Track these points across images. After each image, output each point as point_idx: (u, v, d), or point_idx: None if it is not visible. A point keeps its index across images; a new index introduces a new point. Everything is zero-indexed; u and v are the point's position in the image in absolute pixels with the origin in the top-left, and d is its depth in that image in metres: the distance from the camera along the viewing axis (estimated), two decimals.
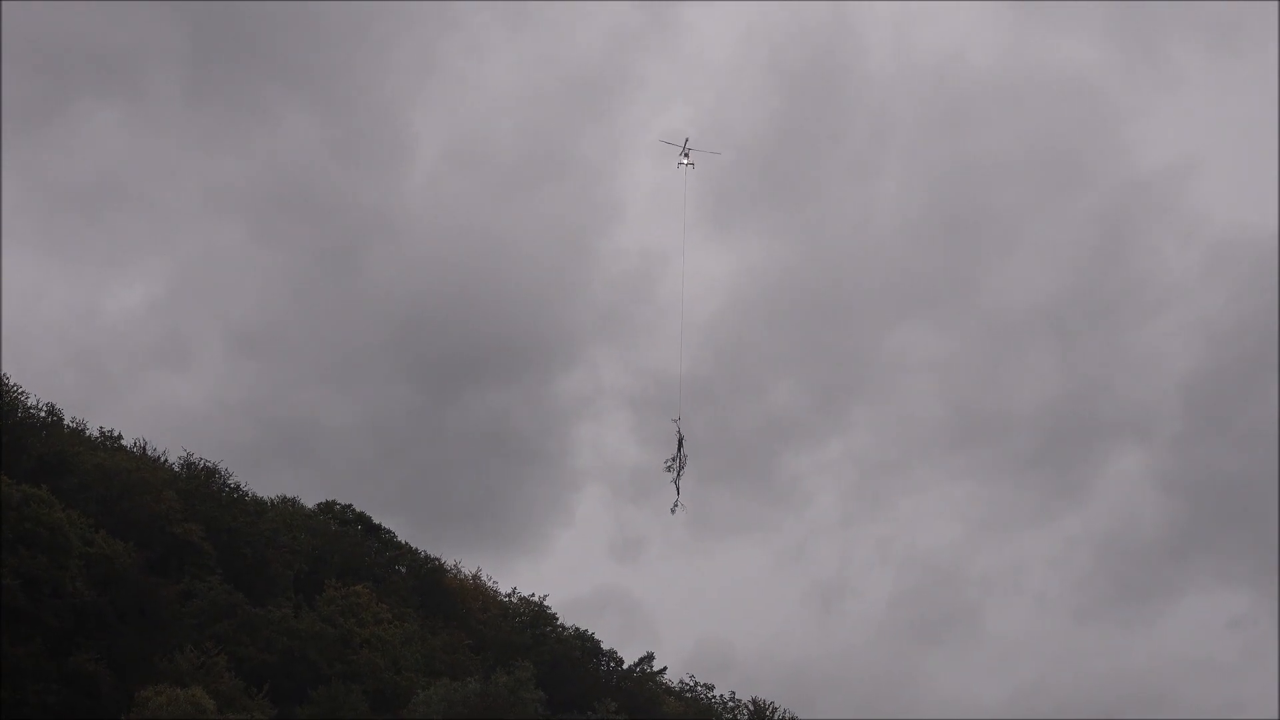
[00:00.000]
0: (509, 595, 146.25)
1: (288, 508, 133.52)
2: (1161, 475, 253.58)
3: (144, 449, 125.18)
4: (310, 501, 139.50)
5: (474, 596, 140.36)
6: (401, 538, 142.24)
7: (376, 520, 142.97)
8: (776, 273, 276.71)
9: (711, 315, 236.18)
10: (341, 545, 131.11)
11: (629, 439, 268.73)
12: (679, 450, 78.18)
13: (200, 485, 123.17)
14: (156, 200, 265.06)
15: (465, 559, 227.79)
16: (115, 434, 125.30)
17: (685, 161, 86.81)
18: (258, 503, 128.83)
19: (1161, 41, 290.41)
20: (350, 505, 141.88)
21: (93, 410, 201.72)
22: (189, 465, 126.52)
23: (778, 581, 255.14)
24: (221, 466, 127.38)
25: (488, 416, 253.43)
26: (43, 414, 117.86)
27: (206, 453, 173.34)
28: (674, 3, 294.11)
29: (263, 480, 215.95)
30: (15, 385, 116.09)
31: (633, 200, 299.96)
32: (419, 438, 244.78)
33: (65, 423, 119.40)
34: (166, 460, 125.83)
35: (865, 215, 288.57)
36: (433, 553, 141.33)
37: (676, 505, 78.22)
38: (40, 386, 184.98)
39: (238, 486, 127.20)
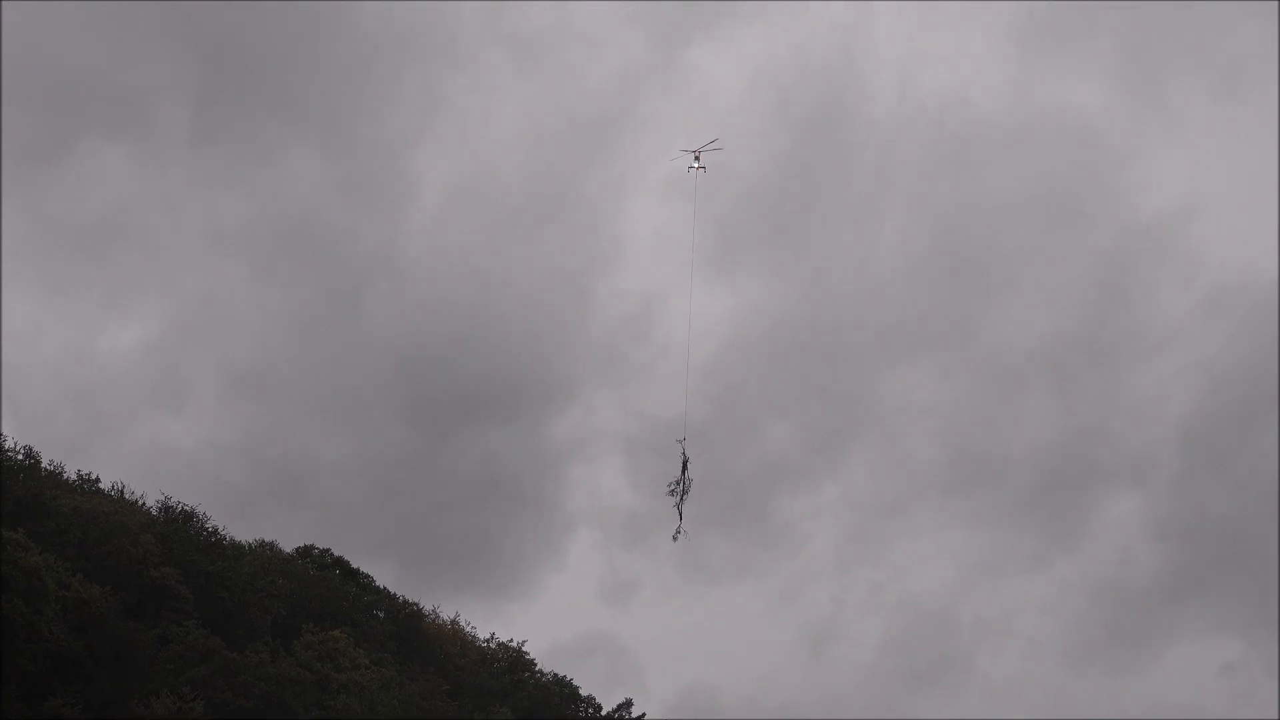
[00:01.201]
0: (487, 640, 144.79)
1: (266, 551, 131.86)
2: (1157, 520, 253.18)
3: (122, 492, 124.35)
4: (298, 543, 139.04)
5: (452, 642, 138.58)
6: (392, 580, 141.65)
7: (356, 565, 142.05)
8: (776, 314, 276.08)
9: (709, 356, 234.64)
10: (319, 590, 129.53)
11: (623, 482, 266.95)
12: (683, 473, 73.40)
13: (178, 529, 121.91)
14: (159, 239, 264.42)
15: (457, 602, 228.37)
16: (93, 477, 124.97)
17: (696, 165, 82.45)
18: (235, 546, 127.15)
19: (1164, 86, 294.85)
20: (329, 550, 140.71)
21: (87, 450, 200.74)
22: (167, 509, 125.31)
23: (769, 626, 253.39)
24: (199, 510, 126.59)
25: (483, 458, 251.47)
26: (20, 457, 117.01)
27: (199, 494, 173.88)
28: (682, 44, 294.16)
29: (255, 522, 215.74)
30: None
31: (634, 241, 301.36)
32: (413, 479, 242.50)
33: (43, 465, 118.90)
34: (144, 504, 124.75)
35: (867, 257, 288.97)
36: (423, 596, 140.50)
37: (679, 532, 73.48)
38: (35, 425, 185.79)
39: (215, 530, 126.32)
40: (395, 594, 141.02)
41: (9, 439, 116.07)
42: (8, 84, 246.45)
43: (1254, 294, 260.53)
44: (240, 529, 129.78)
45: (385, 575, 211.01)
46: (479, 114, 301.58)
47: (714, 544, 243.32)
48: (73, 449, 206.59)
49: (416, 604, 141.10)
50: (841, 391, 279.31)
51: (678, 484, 73.07)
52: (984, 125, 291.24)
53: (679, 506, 72.98)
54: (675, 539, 73.35)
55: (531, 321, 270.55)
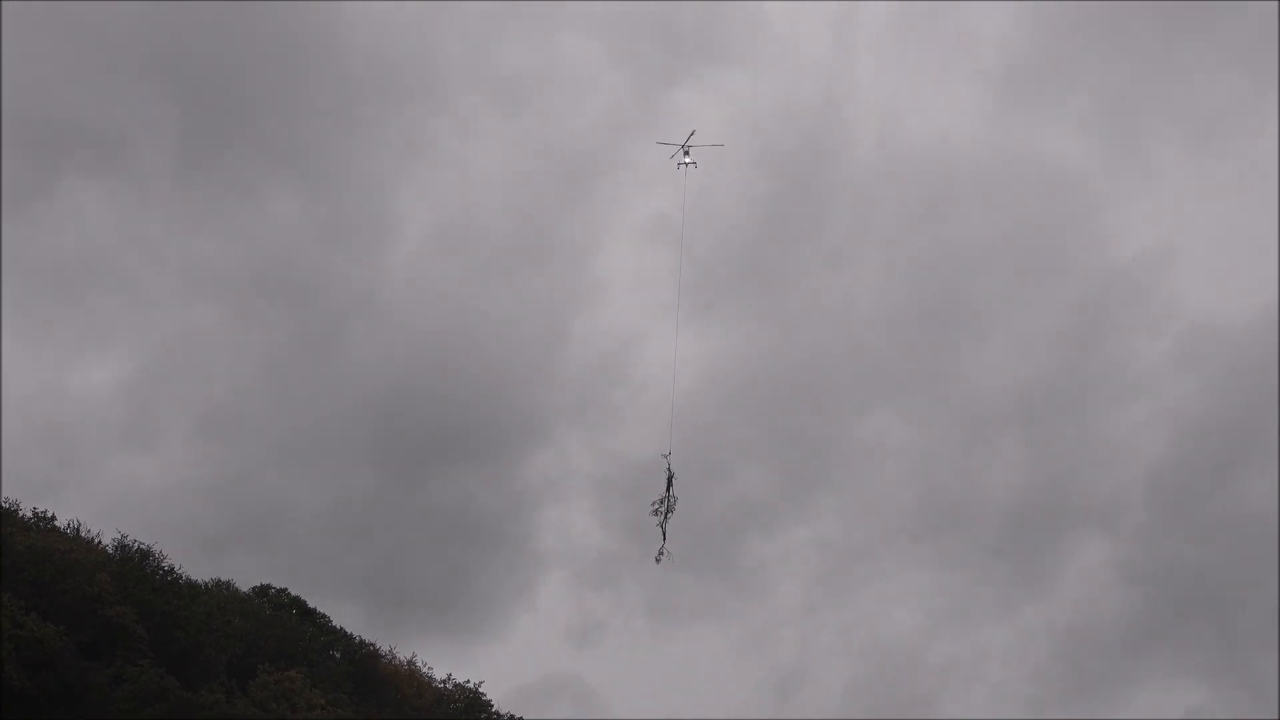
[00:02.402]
0: (444, 681, 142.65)
1: (222, 591, 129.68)
2: (1123, 566, 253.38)
3: (78, 530, 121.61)
4: (262, 583, 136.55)
5: (409, 682, 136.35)
6: (362, 621, 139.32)
7: (317, 605, 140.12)
8: (751, 357, 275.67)
9: (683, 397, 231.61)
10: (276, 629, 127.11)
11: (593, 523, 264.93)
12: (668, 491, 70.36)
13: (134, 568, 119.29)
14: (137, 278, 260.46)
15: (427, 644, 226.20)
16: (49, 515, 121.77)
17: (687, 160, 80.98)
18: (192, 586, 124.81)
19: (1140, 136, 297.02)
20: (285, 589, 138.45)
21: (55, 489, 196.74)
22: (123, 547, 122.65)
23: (737, 668, 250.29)
24: (156, 549, 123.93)
25: (455, 499, 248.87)
26: None
27: (169, 534, 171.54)
28: (665, 87, 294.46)
29: (225, 562, 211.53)
30: None
31: (612, 283, 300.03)
32: (385, 520, 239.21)
33: None
34: (101, 542, 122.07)
35: (844, 302, 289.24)
36: (394, 638, 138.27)
37: (662, 553, 69.75)
38: (4, 462, 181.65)
39: (172, 569, 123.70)
40: (352, 634, 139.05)
41: None
42: None
43: (1226, 342, 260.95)
44: (209, 569, 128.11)
45: (356, 616, 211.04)
46: (461, 156, 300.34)
47: (684, 586, 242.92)
48: (42, 487, 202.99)
49: (373, 644, 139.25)
50: (814, 435, 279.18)
51: (662, 502, 70.45)
52: (962, 173, 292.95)
53: (663, 526, 70.21)
54: (659, 560, 70.13)
55: (508, 362, 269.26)
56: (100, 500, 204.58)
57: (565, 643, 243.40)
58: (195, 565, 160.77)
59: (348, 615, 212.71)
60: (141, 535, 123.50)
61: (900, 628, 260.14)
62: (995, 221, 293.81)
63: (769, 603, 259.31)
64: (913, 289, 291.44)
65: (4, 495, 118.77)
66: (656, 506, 70.41)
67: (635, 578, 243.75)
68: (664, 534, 70.04)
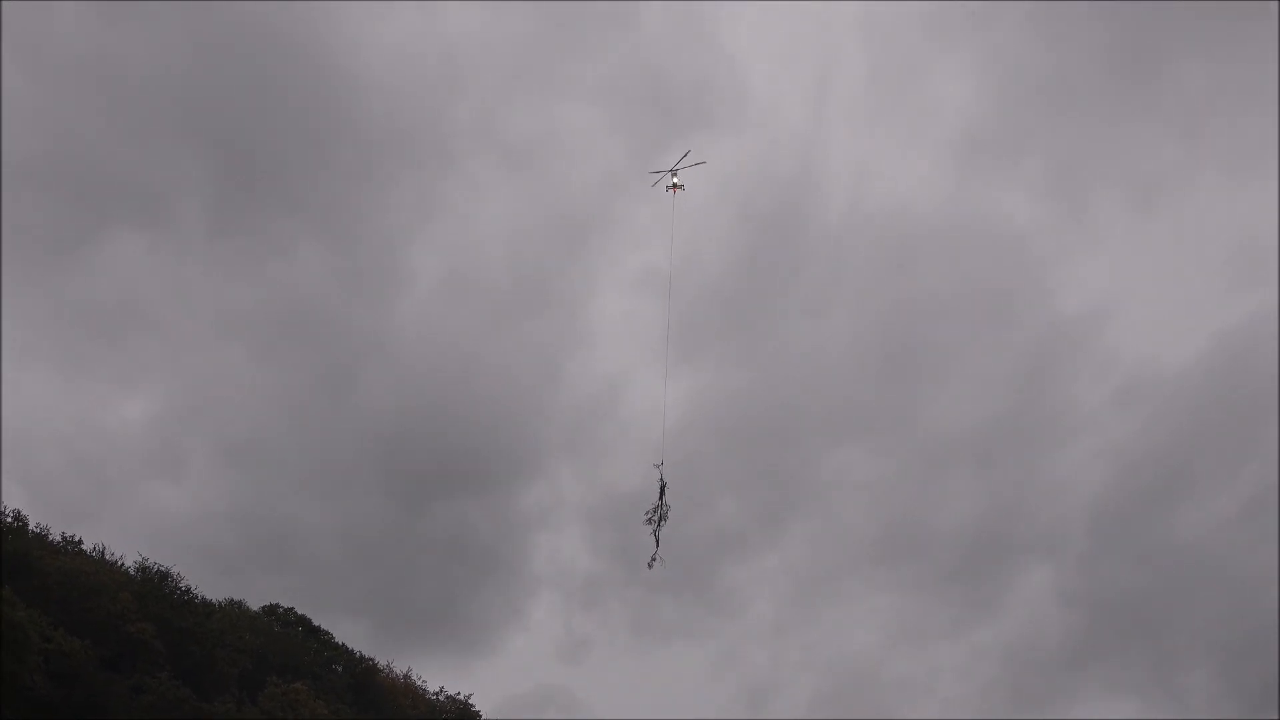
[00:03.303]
0: (437, 694, 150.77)
1: (234, 609, 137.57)
2: (1065, 591, 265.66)
3: (102, 553, 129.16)
4: (283, 604, 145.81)
5: (404, 694, 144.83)
6: (368, 638, 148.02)
7: (322, 623, 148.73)
8: (730, 398, 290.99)
9: (659, 430, 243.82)
10: (283, 645, 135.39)
11: (582, 548, 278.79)
12: (660, 499, 69.63)
13: (154, 587, 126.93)
14: (171, 322, 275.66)
15: (427, 659, 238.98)
16: (77, 539, 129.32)
17: (675, 183, 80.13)
18: (207, 604, 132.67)
19: (1086, 199, 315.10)
20: (292, 608, 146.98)
21: (91, 515, 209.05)
22: (144, 569, 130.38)
23: (712, 682, 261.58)
24: (174, 570, 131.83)
25: (456, 526, 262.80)
26: (9, 520, 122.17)
27: (193, 557, 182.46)
28: (659, 153, 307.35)
29: (243, 583, 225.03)
30: None
31: (603, 329, 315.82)
32: (391, 545, 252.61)
33: (30, 528, 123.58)
34: (123, 564, 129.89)
35: (815, 348, 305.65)
36: (397, 653, 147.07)
37: (655, 559, 69.51)
38: (44, 491, 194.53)
39: (189, 589, 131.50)
40: (353, 649, 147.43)
41: (4, 504, 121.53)
42: (43, 177, 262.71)
43: (1160, 387, 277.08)
44: (229, 588, 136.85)
45: (363, 632, 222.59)
46: (469, 212, 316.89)
47: (664, 607, 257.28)
48: (79, 512, 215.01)
49: (372, 659, 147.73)
50: (786, 470, 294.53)
51: (655, 511, 69.97)
52: (924, 232, 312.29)
53: (656, 534, 69.64)
54: (651, 566, 69.99)
55: (506, 401, 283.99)
56: (131, 525, 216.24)
57: (555, 658, 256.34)
58: (216, 585, 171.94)
59: (355, 631, 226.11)
60: (168, 557, 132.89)
61: (861, 646, 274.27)
62: (953, 276, 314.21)
63: (742, 622, 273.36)
64: (877, 337, 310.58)
65: (41, 522, 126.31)
66: (650, 515, 70.18)
67: (620, 599, 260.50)
68: (657, 540, 69.79)
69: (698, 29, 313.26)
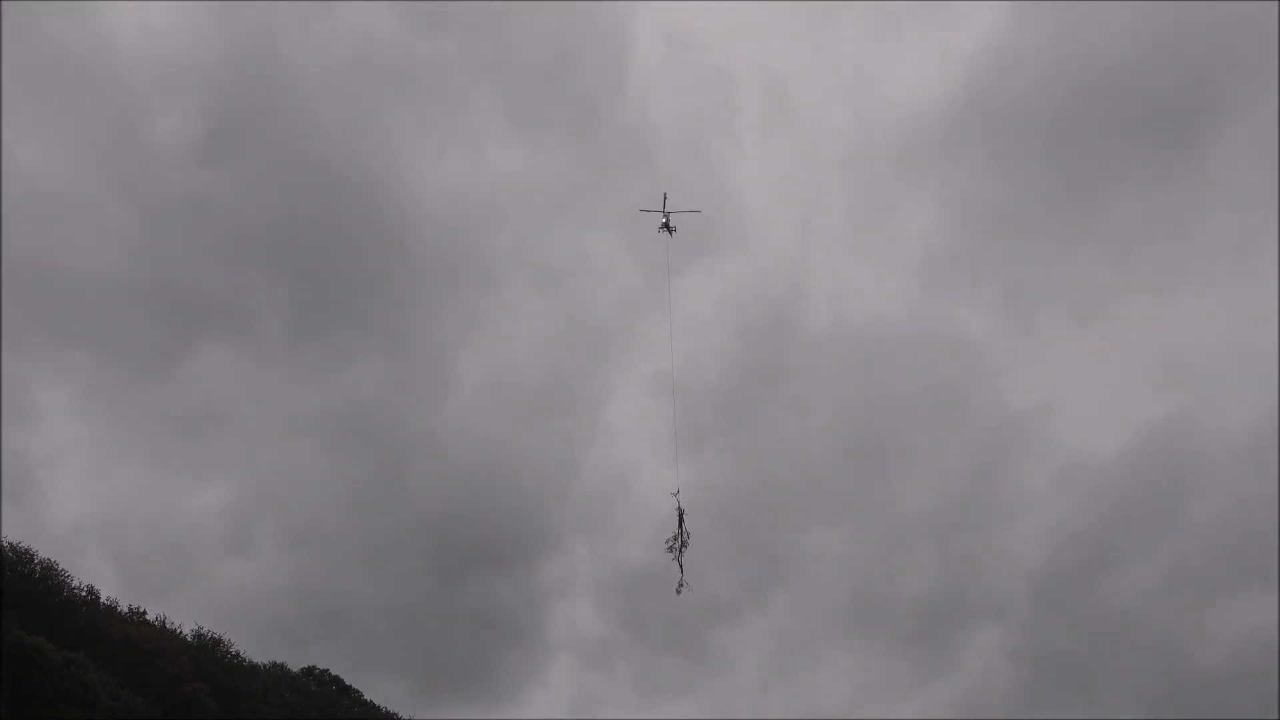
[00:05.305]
0: None
1: (277, 671, 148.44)
2: (1012, 651, 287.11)
3: (164, 622, 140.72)
4: (334, 666, 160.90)
5: None
6: (405, 696, 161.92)
7: (357, 683, 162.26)
8: (724, 485, 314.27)
9: (667, 517, 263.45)
10: (319, 702, 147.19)
11: (594, 617, 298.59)
12: (680, 527, 68.95)
13: (208, 652, 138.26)
14: (249, 424, 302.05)
15: (456, 714, 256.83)
16: (141, 610, 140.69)
17: (665, 224, 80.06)
18: (253, 666, 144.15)
19: (1033, 315, 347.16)
20: (327, 669, 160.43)
21: (170, 589, 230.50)
22: (200, 635, 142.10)
23: None
24: (226, 636, 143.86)
25: (485, 598, 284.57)
26: (83, 593, 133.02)
27: (255, 625, 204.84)
28: (676, 276, 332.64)
29: (297, 649, 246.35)
30: (63, 570, 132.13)
31: (619, 427, 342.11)
32: (429, 615, 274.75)
33: (101, 601, 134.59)
34: (182, 631, 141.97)
35: (799, 441, 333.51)
36: (429, 709, 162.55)
37: (682, 585, 68.24)
38: (132, 569, 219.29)
39: (239, 654, 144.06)
40: (379, 705, 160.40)
41: (75, 579, 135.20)
42: (144, 298, 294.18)
43: (1094, 473, 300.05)
44: (283, 653, 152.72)
45: (402, 691, 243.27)
46: (507, 327, 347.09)
47: (665, 666, 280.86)
48: (160, 588, 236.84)
49: (397, 714, 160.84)
50: (771, 546, 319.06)
51: (675, 539, 69.14)
52: (893, 341, 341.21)
53: (679, 561, 68.69)
54: (679, 592, 68.48)
55: (533, 489, 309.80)
56: (205, 597, 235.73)
57: (569, 712, 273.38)
58: (273, 650, 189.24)
59: (395, 691, 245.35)
60: (234, 626, 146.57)
61: (834, 700, 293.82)
62: (917, 380, 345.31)
63: (731, 680, 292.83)
64: (851, 431, 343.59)
65: (111, 595, 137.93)
66: (670, 543, 69.21)
67: (626, 660, 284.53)
68: (681, 568, 68.63)
69: (705, 169, 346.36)
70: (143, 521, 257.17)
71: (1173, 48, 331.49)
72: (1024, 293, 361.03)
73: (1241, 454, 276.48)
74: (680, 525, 69.80)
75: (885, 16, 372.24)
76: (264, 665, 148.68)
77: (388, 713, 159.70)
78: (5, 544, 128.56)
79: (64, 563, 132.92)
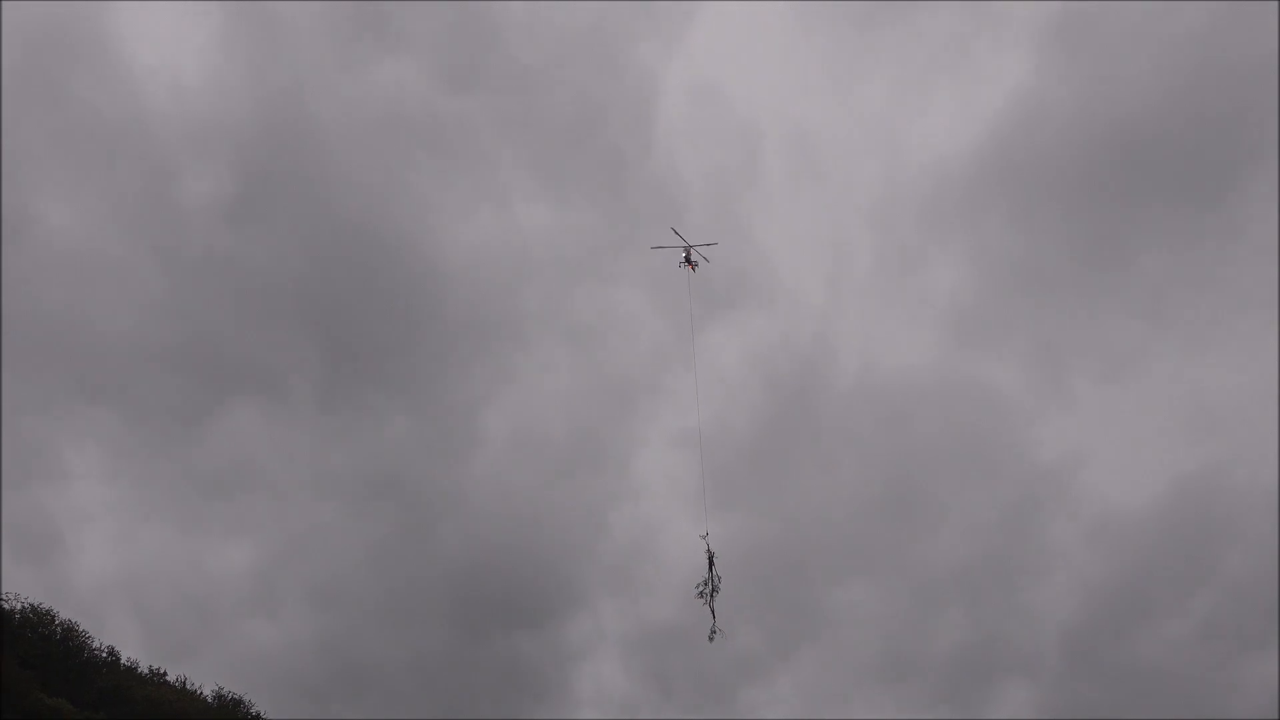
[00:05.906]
0: None
1: None
2: (1042, 706, 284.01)
3: (184, 683, 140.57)
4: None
5: None
6: None
7: None
8: (754, 540, 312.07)
9: (695, 572, 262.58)
10: None
11: (620, 673, 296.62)
12: (710, 571, 66.70)
13: (228, 712, 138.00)
14: (278, 483, 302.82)
15: None
16: (161, 671, 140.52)
17: (686, 258, 76.98)
18: None
19: (1062, 367, 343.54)
20: None
21: (194, 648, 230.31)
22: (219, 696, 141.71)
23: None
24: (245, 697, 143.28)
25: (512, 655, 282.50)
26: (104, 654, 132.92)
27: (281, 684, 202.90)
28: (698, 330, 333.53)
29: (323, 706, 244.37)
30: (84, 631, 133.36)
31: (645, 483, 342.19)
32: (456, 673, 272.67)
33: (122, 662, 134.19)
34: (202, 691, 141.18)
35: (828, 495, 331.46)
36: None
37: (714, 632, 65.95)
38: (158, 627, 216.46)
39: (259, 715, 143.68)
40: None
41: (96, 640, 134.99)
42: (177, 358, 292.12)
43: (1125, 526, 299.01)
44: (308, 711, 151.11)
45: None
46: (536, 384, 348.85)
47: None
48: (184, 647, 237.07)
49: None
50: (800, 602, 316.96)
51: (706, 583, 67.03)
52: (923, 395, 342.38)
53: (711, 606, 66.40)
54: (711, 639, 66.37)
55: (559, 546, 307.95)
56: (231, 654, 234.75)
57: None
58: (300, 710, 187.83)
59: None
60: (259, 683, 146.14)
61: None
62: (947, 433, 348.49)
63: None
64: (881, 486, 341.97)
65: (151, 661, 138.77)
66: (701, 589, 66.98)
67: (652, 715, 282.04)
68: (713, 613, 66.39)
69: (732, 223, 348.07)
70: (170, 581, 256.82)
71: (1200, 99, 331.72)
72: (1053, 345, 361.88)
73: (1274, 506, 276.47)
74: (710, 569, 67.66)
75: (911, 69, 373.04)
76: None
77: None
78: (27, 605, 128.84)
79: (89, 623, 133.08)
